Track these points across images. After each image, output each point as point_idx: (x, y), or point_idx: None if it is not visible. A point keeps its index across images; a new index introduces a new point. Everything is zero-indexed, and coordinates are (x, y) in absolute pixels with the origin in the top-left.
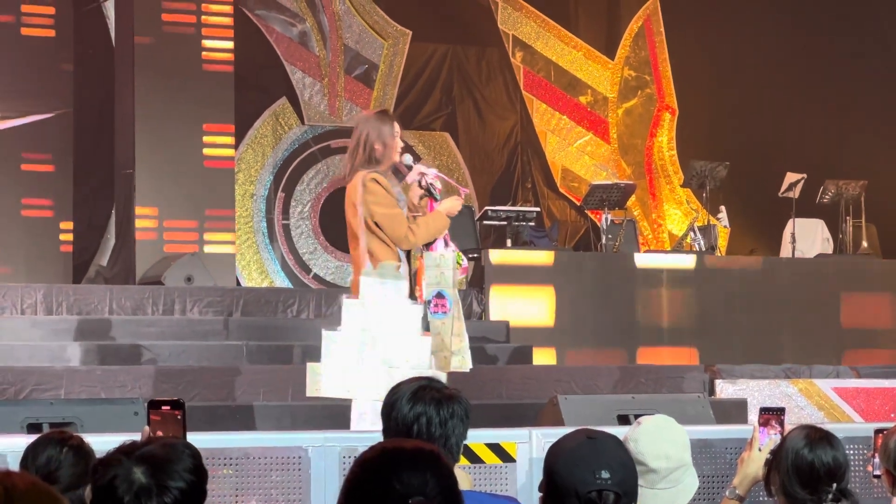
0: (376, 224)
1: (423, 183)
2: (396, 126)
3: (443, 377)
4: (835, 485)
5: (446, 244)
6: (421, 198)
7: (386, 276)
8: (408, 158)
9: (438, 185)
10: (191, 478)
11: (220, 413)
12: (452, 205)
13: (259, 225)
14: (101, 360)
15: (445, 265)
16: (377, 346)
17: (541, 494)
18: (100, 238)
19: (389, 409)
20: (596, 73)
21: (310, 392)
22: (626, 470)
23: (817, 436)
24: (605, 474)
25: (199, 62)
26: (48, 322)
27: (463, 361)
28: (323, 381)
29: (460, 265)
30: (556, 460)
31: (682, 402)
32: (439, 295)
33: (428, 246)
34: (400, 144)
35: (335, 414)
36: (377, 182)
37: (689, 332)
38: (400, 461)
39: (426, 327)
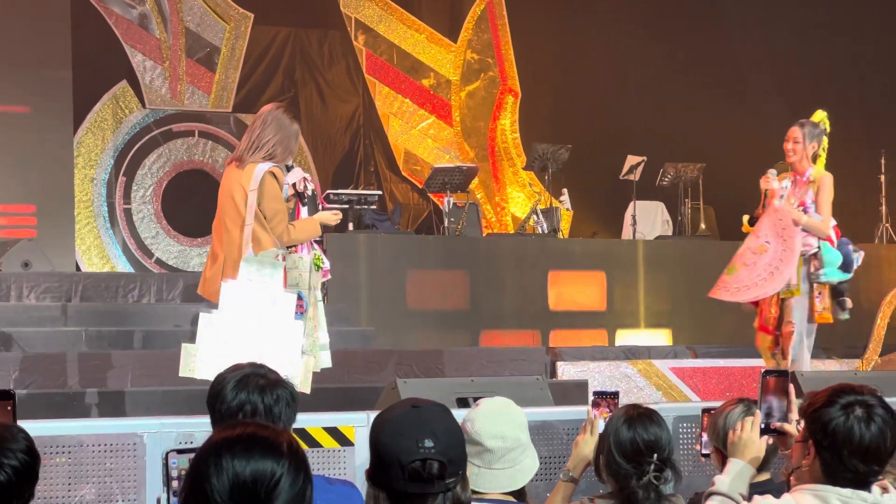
0: (263, 215)
1: (300, 186)
2: (296, 126)
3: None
4: (655, 455)
5: (312, 245)
6: (289, 199)
7: (265, 263)
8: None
9: (311, 187)
10: (24, 458)
11: (57, 400)
12: (329, 217)
13: (100, 209)
14: None
15: (303, 267)
16: (252, 330)
17: (366, 468)
18: None
19: (214, 398)
20: (439, 57)
21: (183, 372)
22: (452, 437)
23: (636, 412)
24: (428, 443)
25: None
26: None
27: (315, 361)
28: (198, 362)
29: (320, 267)
30: (380, 431)
31: (522, 385)
32: (299, 297)
33: (292, 246)
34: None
35: (172, 400)
36: (276, 178)
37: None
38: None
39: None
